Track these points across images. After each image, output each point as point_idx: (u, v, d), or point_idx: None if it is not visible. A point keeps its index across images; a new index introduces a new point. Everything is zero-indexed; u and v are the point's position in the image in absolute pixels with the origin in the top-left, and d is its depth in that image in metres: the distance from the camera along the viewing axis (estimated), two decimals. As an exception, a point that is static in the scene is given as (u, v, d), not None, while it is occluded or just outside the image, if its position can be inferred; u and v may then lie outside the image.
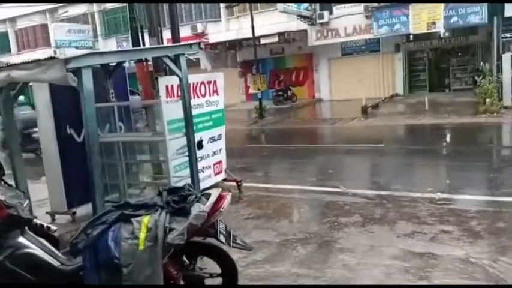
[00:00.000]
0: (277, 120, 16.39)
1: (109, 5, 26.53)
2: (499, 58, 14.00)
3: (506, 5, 14.41)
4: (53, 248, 2.85)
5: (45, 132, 5.20)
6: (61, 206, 5.26)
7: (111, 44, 26.17)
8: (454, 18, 15.92)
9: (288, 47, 22.30)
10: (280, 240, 4.53)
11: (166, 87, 5.47)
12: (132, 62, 8.21)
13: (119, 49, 15.42)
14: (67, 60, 3.49)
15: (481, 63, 14.23)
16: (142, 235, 2.61)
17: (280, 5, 17.50)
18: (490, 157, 8.43)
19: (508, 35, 15.80)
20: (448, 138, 10.44)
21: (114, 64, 5.34)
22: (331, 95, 22.06)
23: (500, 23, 14.54)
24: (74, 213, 5.31)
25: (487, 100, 12.62)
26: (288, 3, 17.71)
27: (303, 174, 7.92)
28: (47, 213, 5.38)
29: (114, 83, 5.62)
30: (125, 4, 8.48)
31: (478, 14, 15.38)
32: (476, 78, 14.11)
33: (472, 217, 4.87)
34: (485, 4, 14.97)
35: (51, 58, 3.65)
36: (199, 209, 2.68)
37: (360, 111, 14.92)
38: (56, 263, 2.75)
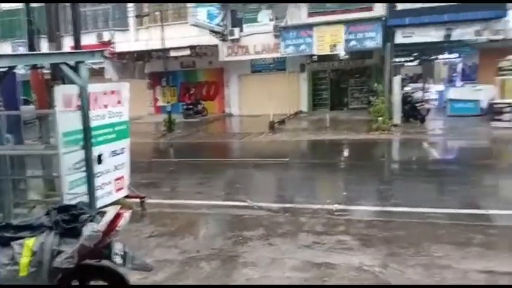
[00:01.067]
0: (186, 134, 16.20)
1: (4, 6, 24.12)
2: (390, 80, 15.51)
3: (397, 32, 16.09)
4: None
5: None
6: None
7: (6, 48, 23.73)
8: (353, 42, 17.29)
9: (199, 60, 22.32)
10: (184, 258, 4.42)
11: (64, 96, 5.08)
12: (27, 68, 7.54)
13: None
14: None
15: (375, 85, 15.60)
16: (24, 260, 2.37)
17: (191, 19, 17.49)
18: (382, 170, 9.22)
19: (397, 59, 17.65)
20: (346, 153, 11.24)
21: (4, 70, 4.83)
22: (241, 110, 22.49)
23: (391, 49, 16.16)
24: None
25: (379, 118, 13.88)
26: (199, 18, 17.76)
27: (211, 189, 7.89)
28: None
29: (3, 90, 5.09)
30: (22, 6, 7.81)
31: (373, 39, 16.89)
32: (370, 98, 15.41)
33: (366, 227, 5.24)
34: (380, 30, 16.54)
35: None
36: (92, 228, 2.50)
37: (268, 126, 15.41)
38: None
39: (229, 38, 19.98)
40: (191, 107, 21.30)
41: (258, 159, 10.76)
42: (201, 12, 17.83)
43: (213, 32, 19.28)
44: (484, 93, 15.38)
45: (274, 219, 5.64)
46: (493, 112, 13.68)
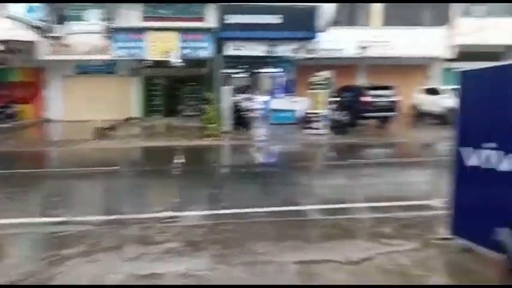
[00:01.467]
0: (-8, 142, 13.80)
1: None
2: (220, 90, 16.21)
3: (228, 45, 16.99)
4: None
5: None
6: None
7: None
8: (188, 50, 17.58)
9: (13, 58, 19.44)
10: (-22, 289, 3.68)
11: None
12: None
13: None
14: None
15: (208, 93, 16.13)
16: None
17: (5, 11, 15.07)
18: (213, 175, 9.47)
19: (229, 70, 18.61)
20: (178, 160, 11.18)
21: None
22: (64, 115, 20.44)
23: (221, 60, 16.97)
24: None
25: (211, 126, 14.38)
26: (14, 10, 15.41)
27: (22, 204, 6.83)
28: None
29: None
30: None
31: (206, 49, 17.49)
32: (203, 106, 15.86)
33: (195, 231, 5.27)
34: (212, 41, 17.17)
35: None
36: None
37: (95, 133, 14.32)
38: None
39: (52, 34, 17.93)
40: (0, 110, 18.38)
41: (82, 169, 9.84)
42: (19, 4, 15.51)
43: (32, 27, 16.99)
44: (299, 104, 17.42)
45: (98, 233, 5.20)
46: (305, 121, 15.61)
